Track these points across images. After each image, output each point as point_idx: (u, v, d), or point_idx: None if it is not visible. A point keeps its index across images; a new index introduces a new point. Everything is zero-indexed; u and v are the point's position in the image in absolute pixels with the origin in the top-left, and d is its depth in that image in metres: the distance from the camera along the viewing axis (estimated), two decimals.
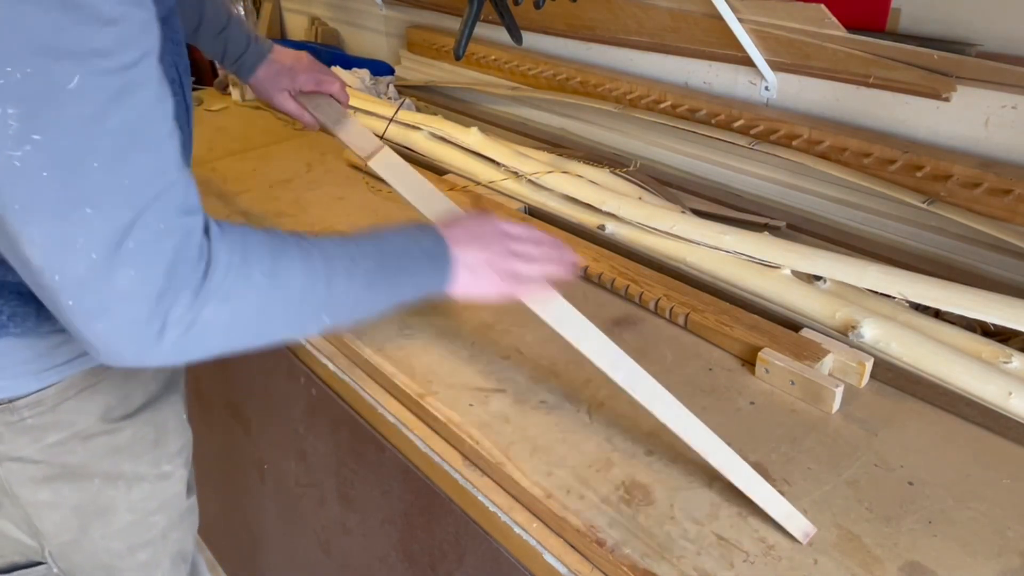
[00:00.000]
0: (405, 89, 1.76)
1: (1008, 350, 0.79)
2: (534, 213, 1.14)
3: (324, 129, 0.98)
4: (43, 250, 0.46)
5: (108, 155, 0.46)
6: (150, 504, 0.80)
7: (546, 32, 1.49)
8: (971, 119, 0.98)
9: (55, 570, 0.78)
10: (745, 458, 0.68)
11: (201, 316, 0.51)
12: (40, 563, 0.78)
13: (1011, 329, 0.80)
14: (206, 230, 0.52)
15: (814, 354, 0.79)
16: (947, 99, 0.98)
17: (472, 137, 1.29)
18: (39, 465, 0.71)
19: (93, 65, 0.44)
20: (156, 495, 0.81)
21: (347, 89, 1.02)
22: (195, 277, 0.50)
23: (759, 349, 0.80)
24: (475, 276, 0.68)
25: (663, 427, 0.72)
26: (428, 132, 1.35)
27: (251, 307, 0.54)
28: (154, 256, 0.48)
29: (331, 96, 0.99)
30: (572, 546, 0.64)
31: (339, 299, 0.59)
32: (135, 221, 0.47)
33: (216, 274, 0.51)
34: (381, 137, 0.96)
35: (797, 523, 0.62)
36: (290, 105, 0.99)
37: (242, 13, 2.02)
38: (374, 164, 0.87)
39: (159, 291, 0.49)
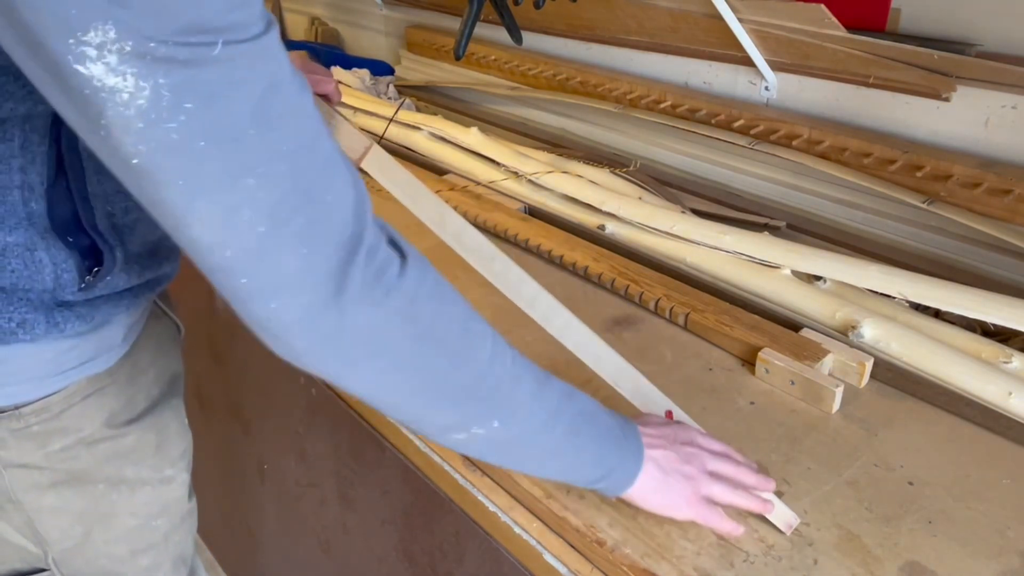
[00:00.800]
0: (405, 89, 1.76)
1: (1008, 350, 0.79)
2: (534, 213, 1.14)
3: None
4: (210, 226, 0.45)
5: (261, 121, 0.45)
6: (152, 508, 0.80)
7: (546, 32, 1.49)
8: (971, 119, 0.98)
9: None
10: (745, 458, 0.68)
11: (378, 319, 0.48)
12: (43, 570, 0.78)
13: (1011, 329, 0.80)
14: (391, 238, 0.50)
15: (814, 354, 0.79)
16: (947, 99, 0.98)
17: (472, 137, 1.29)
18: (44, 471, 0.71)
19: (231, 35, 0.43)
20: (158, 499, 0.81)
21: (347, 89, 1.02)
22: (387, 270, 0.48)
23: (759, 349, 0.80)
24: (665, 480, 0.59)
25: None
26: (428, 132, 1.35)
27: (432, 340, 0.50)
28: (327, 233, 0.46)
29: (325, 96, 0.99)
30: (572, 546, 0.64)
31: (519, 411, 0.53)
32: (300, 191, 0.46)
33: (409, 278, 0.48)
34: (381, 138, 0.97)
35: (780, 513, 0.62)
36: None
37: None
38: (365, 165, 0.88)
39: (336, 272, 0.46)
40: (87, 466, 0.73)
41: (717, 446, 0.64)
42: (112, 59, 0.41)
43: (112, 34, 0.40)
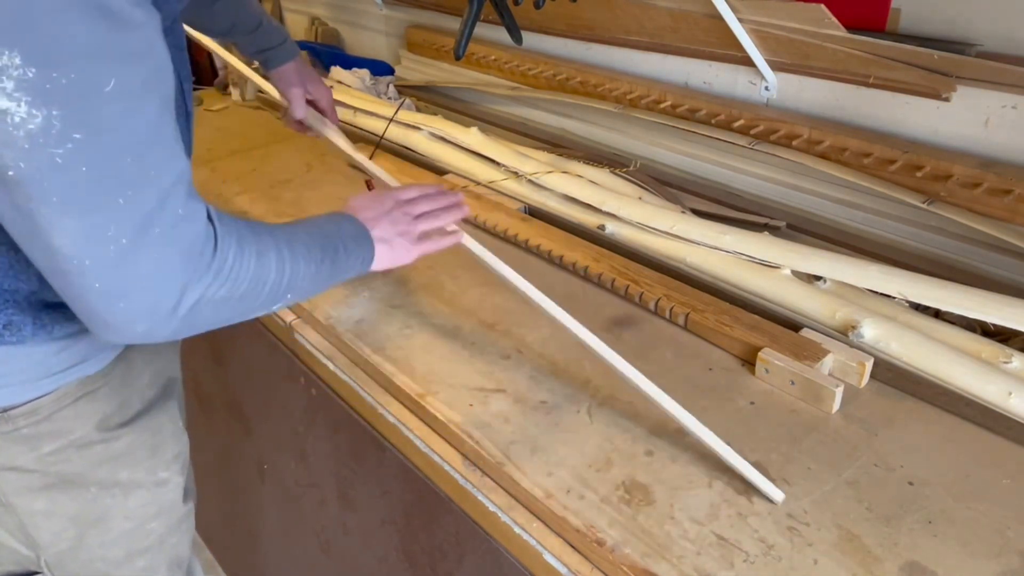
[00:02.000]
0: (405, 89, 1.76)
1: (1008, 350, 0.79)
2: (534, 213, 1.14)
3: (313, 132, 1.04)
4: (76, 239, 0.49)
5: (138, 149, 0.50)
6: (147, 511, 0.80)
7: (546, 32, 1.49)
8: (971, 119, 0.98)
9: None
10: (745, 458, 0.68)
11: (207, 294, 0.56)
12: (36, 573, 0.78)
13: (1011, 329, 0.80)
14: (208, 215, 0.57)
15: (814, 354, 0.79)
16: (947, 99, 0.98)
17: (472, 137, 1.29)
18: (35, 475, 0.71)
19: (126, 67, 0.48)
20: (153, 502, 0.80)
21: (348, 89, 1.05)
22: (206, 257, 0.55)
23: (759, 349, 0.80)
24: (391, 248, 0.76)
25: (663, 427, 0.73)
26: (428, 132, 1.35)
27: (243, 286, 0.59)
28: (175, 238, 0.53)
29: (319, 108, 1.07)
30: (572, 546, 0.64)
31: (300, 280, 0.66)
32: (159, 207, 0.51)
33: (220, 255, 0.56)
34: (381, 138, 0.98)
35: (769, 488, 0.64)
36: (301, 103, 1.03)
37: None
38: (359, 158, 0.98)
39: (178, 271, 0.53)
40: (79, 469, 0.73)
41: (412, 192, 0.81)
42: (9, 84, 0.43)
43: (17, 60, 0.43)
